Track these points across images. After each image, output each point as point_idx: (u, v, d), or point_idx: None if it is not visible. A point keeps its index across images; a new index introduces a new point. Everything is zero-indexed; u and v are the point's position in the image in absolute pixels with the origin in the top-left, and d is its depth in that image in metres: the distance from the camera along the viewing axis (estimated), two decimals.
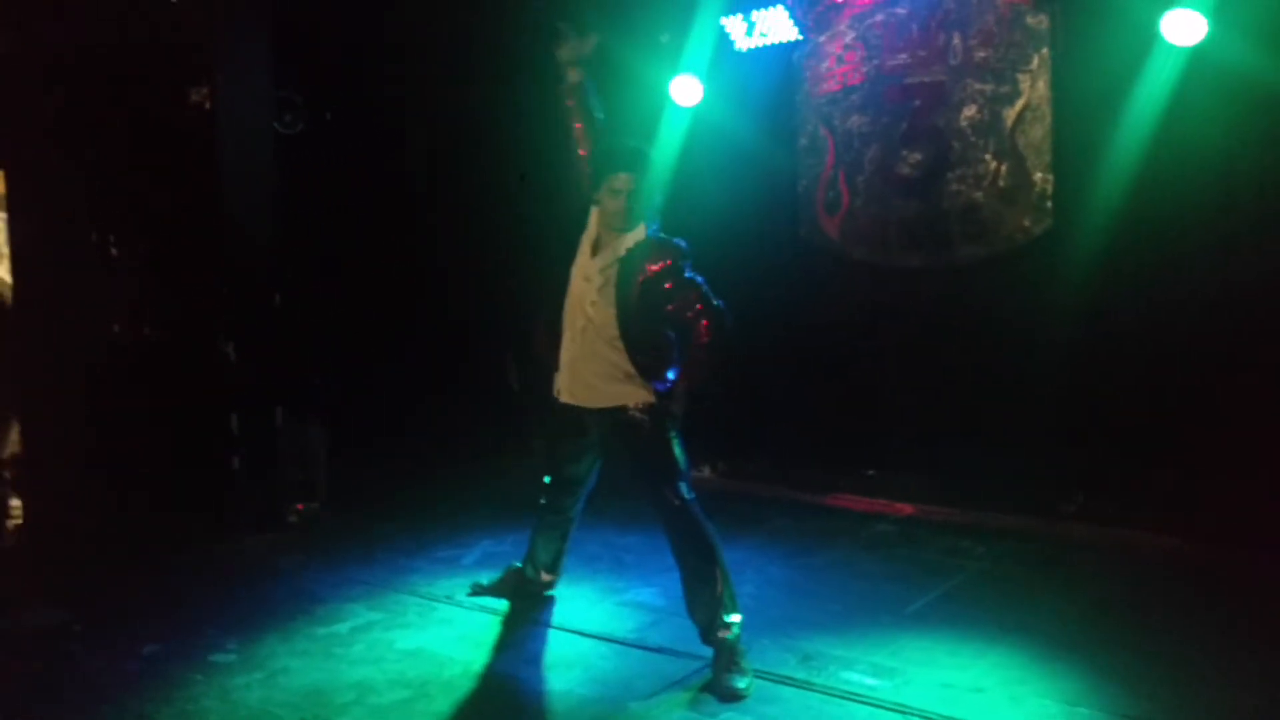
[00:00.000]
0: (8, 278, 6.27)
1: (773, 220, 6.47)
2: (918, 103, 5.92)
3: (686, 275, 3.93)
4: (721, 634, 3.82)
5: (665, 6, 6.46)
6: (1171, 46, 4.96)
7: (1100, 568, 4.90)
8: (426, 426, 6.82)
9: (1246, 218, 5.03)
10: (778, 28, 6.23)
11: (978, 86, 5.72)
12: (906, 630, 4.20)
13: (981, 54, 5.67)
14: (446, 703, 3.67)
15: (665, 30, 6.45)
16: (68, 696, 3.78)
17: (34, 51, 5.83)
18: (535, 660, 4.02)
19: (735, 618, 3.86)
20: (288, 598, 4.75)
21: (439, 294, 7.15)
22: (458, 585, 4.84)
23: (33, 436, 5.93)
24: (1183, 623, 4.17)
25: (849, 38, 6.14)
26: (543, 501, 4.41)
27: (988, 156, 5.71)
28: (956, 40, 5.73)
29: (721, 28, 6.30)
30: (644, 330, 3.93)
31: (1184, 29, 4.87)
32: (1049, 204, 5.56)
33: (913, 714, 3.49)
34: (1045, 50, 5.49)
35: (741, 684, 3.68)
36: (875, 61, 6.04)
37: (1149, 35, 4.99)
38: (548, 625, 4.36)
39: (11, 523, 5.83)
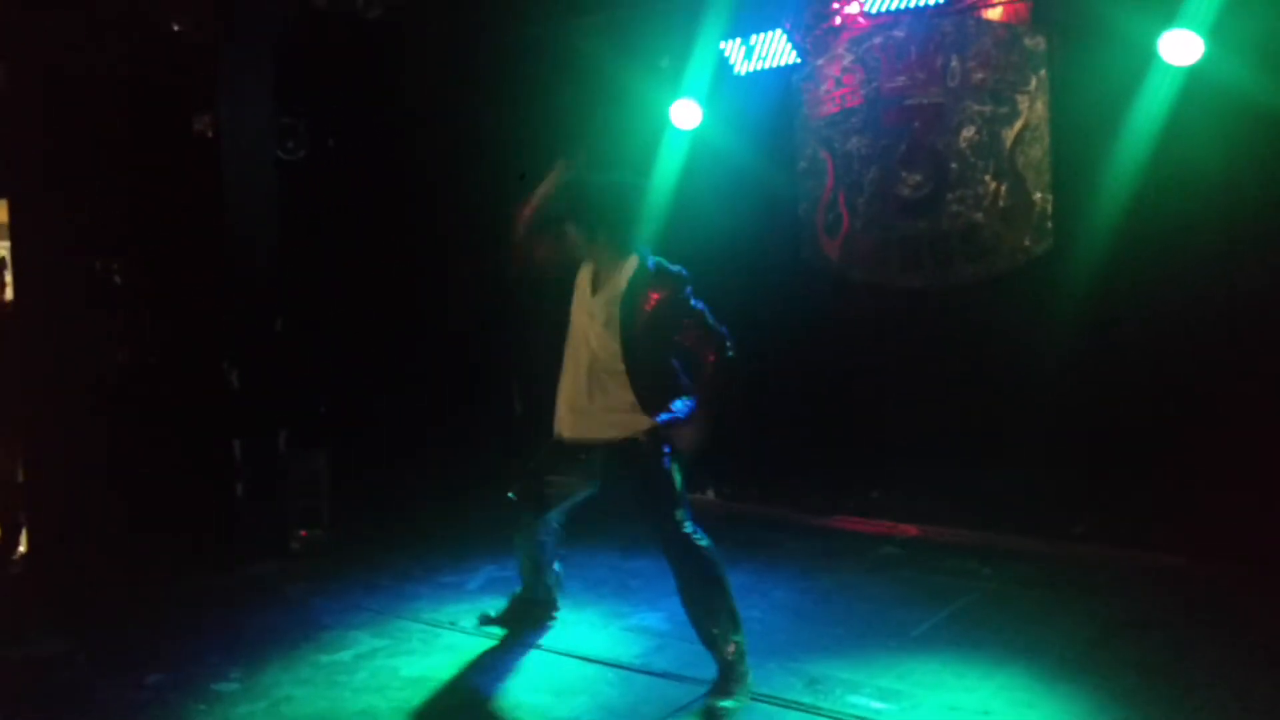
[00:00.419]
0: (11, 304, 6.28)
1: (773, 242, 6.49)
2: (917, 124, 5.94)
3: (690, 303, 3.94)
4: (725, 653, 3.80)
5: (665, 31, 6.50)
6: (1169, 66, 4.98)
7: (1108, 588, 4.87)
8: (430, 452, 6.82)
9: (1246, 236, 5.03)
10: (776, 51, 6.27)
11: (976, 108, 5.74)
12: (913, 653, 4.18)
13: (979, 75, 5.70)
14: None
15: (665, 55, 6.49)
16: None
17: (37, 81, 5.87)
18: (540, 687, 4.00)
19: (738, 639, 3.84)
20: (291, 625, 4.74)
21: (441, 319, 7.16)
22: (462, 611, 4.83)
23: (37, 463, 5.93)
24: (1191, 644, 4.15)
25: (847, 60, 6.17)
26: (523, 531, 4.36)
27: (987, 177, 5.72)
28: (955, 62, 5.76)
29: (721, 52, 6.34)
30: (650, 360, 3.94)
31: (1181, 49, 4.89)
32: (1049, 224, 5.56)
33: None
34: (1043, 71, 5.52)
35: (724, 704, 3.67)
36: (874, 84, 6.06)
37: (1146, 55, 5.01)
38: (553, 651, 4.34)
39: (17, 550, 5.83)
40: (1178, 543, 5.16)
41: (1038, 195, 5.57)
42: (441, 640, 4.51)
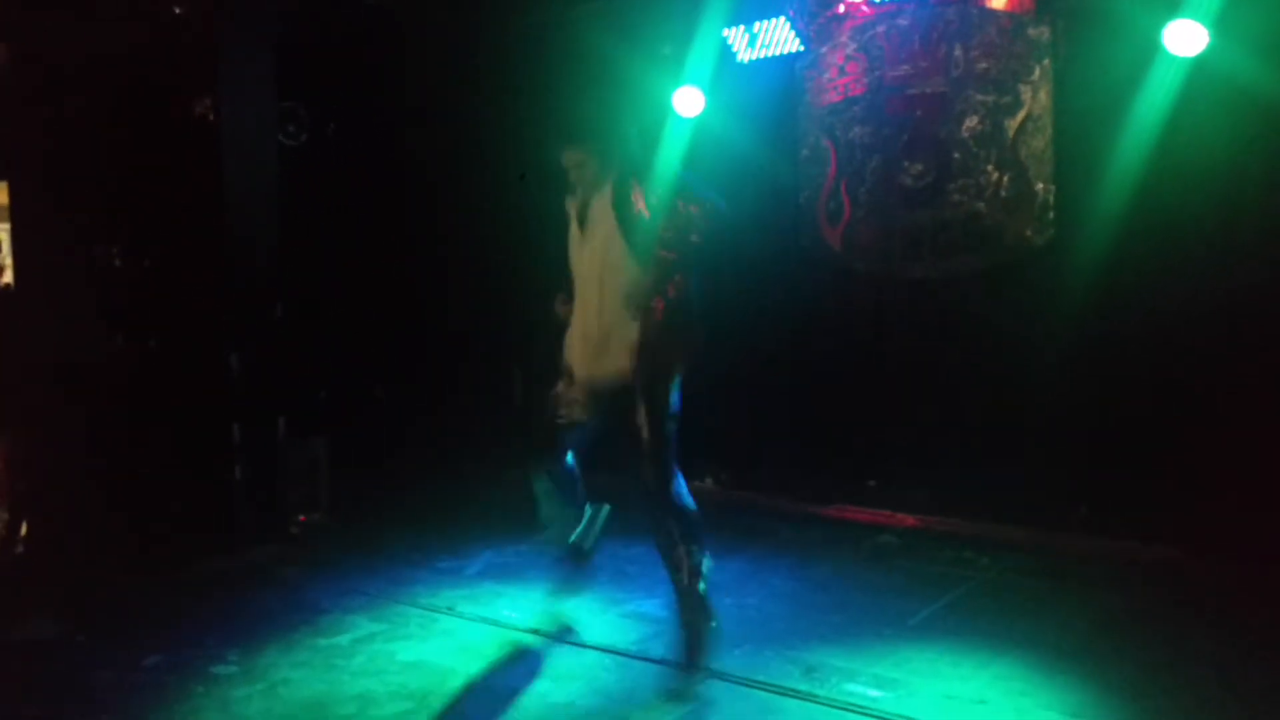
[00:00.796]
0: (10, 288, 6.28)
1: (775, 231, 6.47)
2: (919, 114, 5.92)
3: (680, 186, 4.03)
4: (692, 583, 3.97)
5: (668, 19, 6.48)
6: (1173, 57, 4.95)
7: (1104, 580, 4.88)
8: (429, 437, 6.82)
9: (1249, 228, 5.02)
10: (780, 39, 6.24)
11: (979, 97, 5.72)
12: (909, 642, 4.19)
13: (983, 65, 5.68)
14: (447, 714, 3.66)
15: (668, 42, 6.47)
16: (70, 708, 3.78)
17: (38, 63, 5.85)
18: (537, 672, 4.00)
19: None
20: (289, 609, 4.75)
21: (441, 305, 7.16)
22: (460, 596, 4.84)
23: (36, 447, 5.94)
24: (1187, 635, 4.15)
25: (851, 49, 6.15)
26: (545, 475, 4.43)
27: (989, 167, 5.71)
28: (958, 51, 5.74)
29: (724, 39, 6.31)
30: (654, 243, 3.99)
31: (1186, 39, 4.87)
32: (1051, 214, 5.55)
33: None
34: (1047, 61, 5.50)
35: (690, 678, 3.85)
36: (877, 72, 6.05)
37: (1151, 46, 4.98)
38: (550, 637, 4.35)
39: (18, 535, 5.83)
40: (1175, 536, 5.16)
41: (1040, 186, 5.56)
42: (439, 625, 4.52)
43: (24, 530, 5.83)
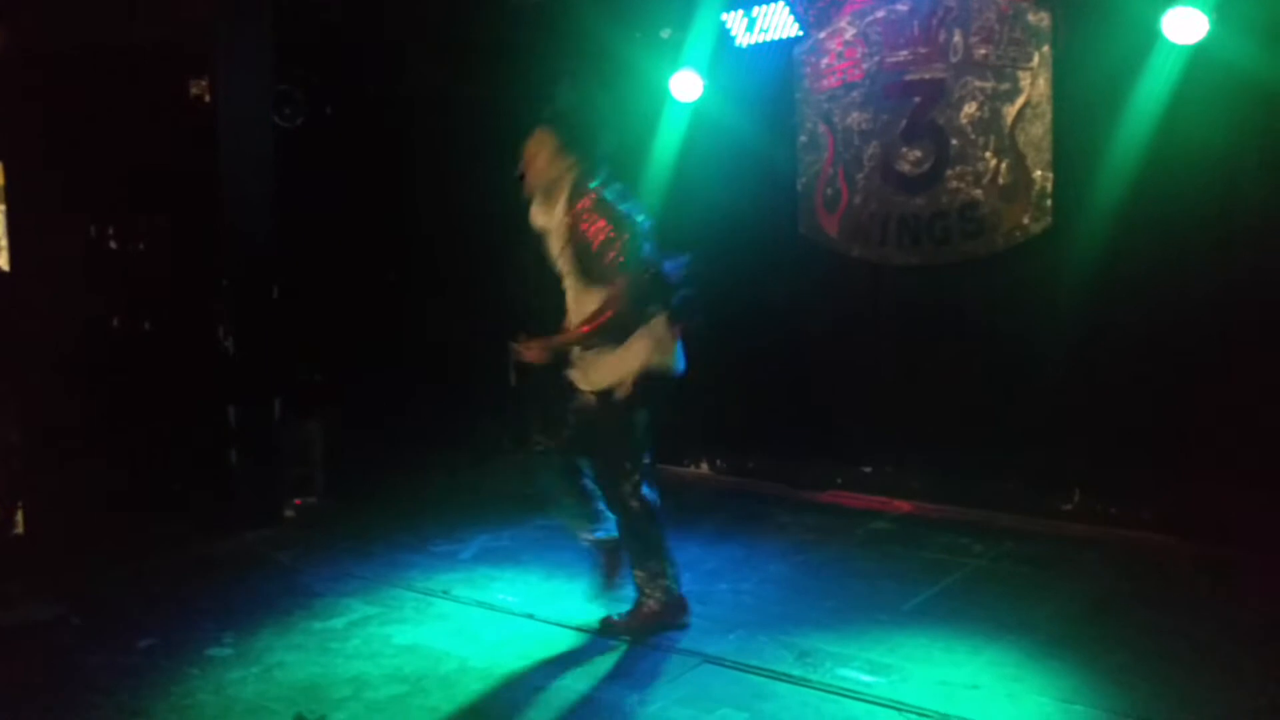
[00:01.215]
0: (6, 269, 6.26)
1: (772, 217, 6.46)
2: (918, 100, 5.90)
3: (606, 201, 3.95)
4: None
5: (666, 2, 6.45)
6: (1172, 45, 4.94)
7: (1098, 566, 4.90)
8: (424, 421, 6.82)
9: (1247, 217, 5.01)
10: (778, 23, 6.21)
11: (978, 84, 5.70)
12: (903, 627, 4.20)
13: (982, 51, 5.66)
14: (442, 698, 3.67)
15: (666, 25, 6.44)
16: (64, 690, 3.78)
17: (33, 44, 5.82)
18: (532, 656, 4.02)
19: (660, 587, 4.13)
20: (284, 592, 4.76)
21: (437, 288, 7.15)
22: (455, 580, 4.85)
23: (30, 429, 5.93)
24: (1180, 621, 4.17)
25: (849, 34, 6.12)
26: (559, 475, 4.28)
27: (988, 154, 5.69)
28: (957, 37, 5.72)
29: (722, 23, 6.28)
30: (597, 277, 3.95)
31: (1185, 27, 4.85)
32: (1049, 202, 5.54)
33: (909, 711, 3.49)
34: (1046, 48, 5.47)
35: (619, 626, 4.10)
36: (876, 58, 6.02)
37: (1150, 33, 4.97)
38: (545, 621, 4.36)
39: (14, 517, 5.82)
40: (1167, 522, 5.19)
41: (1038, 173, 5.55)
42: (434, 609, 4.53)
43: (19, 513, 5.83)
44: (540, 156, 4.00)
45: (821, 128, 6.29)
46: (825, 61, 6.23)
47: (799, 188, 6.41)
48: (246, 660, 3.99)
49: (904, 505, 5.92)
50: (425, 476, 6.50)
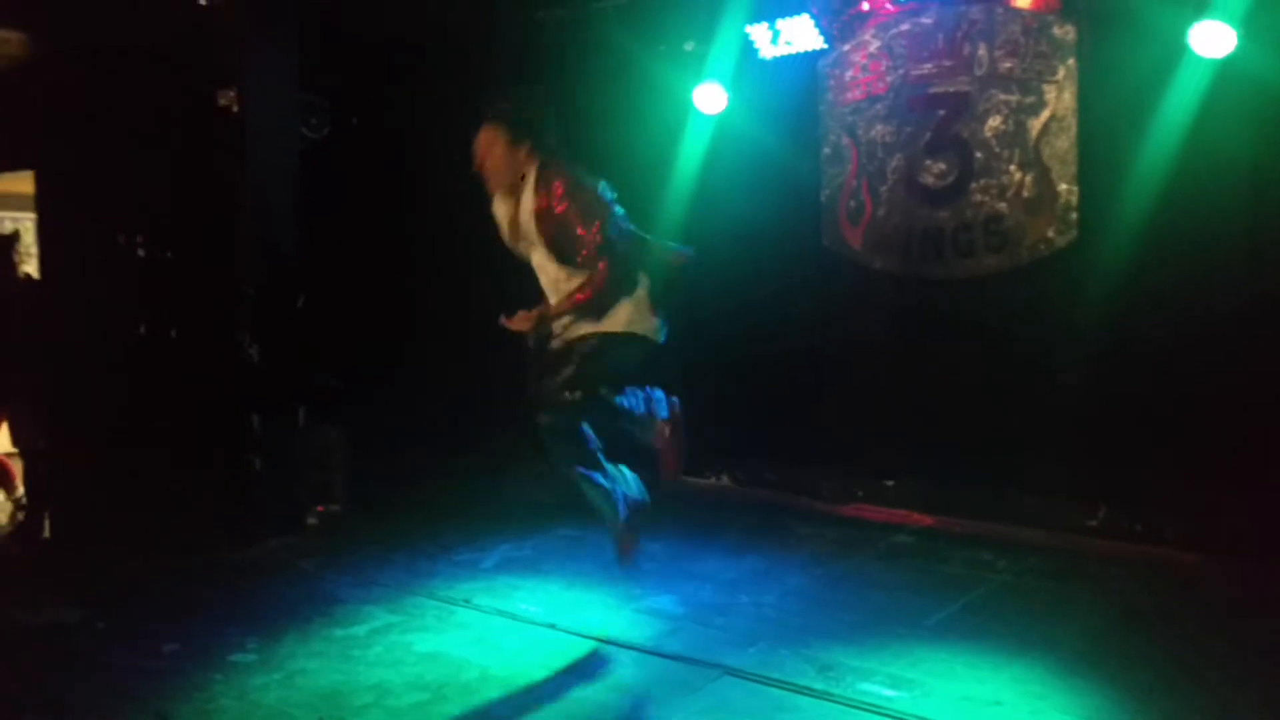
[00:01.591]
0: (36, 276, 6.33)
1: (795, 229, 6.46)
2: (942, 113, 5.89)
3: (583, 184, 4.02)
4: None
5: (690, 15, 6.47)
6: (1200, 58, 4.92)
7: (1123, 583, 4.86)
8: (446, 429, 6.84)
9: (1274, 231, 4.98)
10: (803, 36, 6.21)
11: (1003, 97, 5.69)
12: (925, 642, 4.18)
13: (1007, 64, 5.65)
14: (463, 706, 3.68)
15: (690, 38, 6.46)
16: (89, 693, 3.81)
17: (64, 55, 5.89)
18: (553, 665, 4.01)
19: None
20: (307, 599, 4.77)
21: (460, 297, 7.17)
22: (477, 589, 4.86)
23: (58, 434, 5.98)
24: (1206, 640, 4.13)
25: (874, 47, 6.13)
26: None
27: (1012, 167, 5.68)
28: (982, 50, 5.71)
29: (746, 36, 6.30)
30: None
31: (1213, 41, 4.83)
32: (1074, 215, 5.53)
33: None
34: (1072, 61, 5.46)
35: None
36: (900, 71, 6.02)
37: (1177, 47, 4.95)
38: (566, 631, 4.36)
39: (41, 521, 5.88)
40: (1193, 539, 5.14)
41: (1063, 187, 5.53)
42: (455, 617, 4.54)
43: (46, 518, 5.88)
44: (494, 153, 4.07)
45: (845, 140, 6.29)
46: (849, 74, 6.24)
47: (822, 200, 6.42)
48: (269, 666, 4.01)
49: (925, 519, 5.89)
50: (446, 484, 6.51)
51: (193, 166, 5.80)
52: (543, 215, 4.02)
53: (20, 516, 6.09)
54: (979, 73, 5.74)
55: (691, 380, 6.87)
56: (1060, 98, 5.50)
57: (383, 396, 6.74)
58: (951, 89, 5.84)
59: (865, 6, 6.15)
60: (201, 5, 5.48)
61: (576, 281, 4.04)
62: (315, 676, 3.93)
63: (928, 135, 5.94)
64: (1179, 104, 5.05)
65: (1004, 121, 5.68)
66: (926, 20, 5.90)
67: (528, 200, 4.07)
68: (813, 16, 6.15)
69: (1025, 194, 5.65)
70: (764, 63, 6.38)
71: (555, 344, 4.15)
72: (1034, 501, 5.65)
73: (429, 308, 7.11)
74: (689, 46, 6.47)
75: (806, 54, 6.29)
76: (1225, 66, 4.88)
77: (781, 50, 6.31)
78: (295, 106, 5.98)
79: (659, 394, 4.35)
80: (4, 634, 4.44)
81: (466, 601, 4.70)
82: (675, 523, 5.88)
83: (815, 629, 4.32)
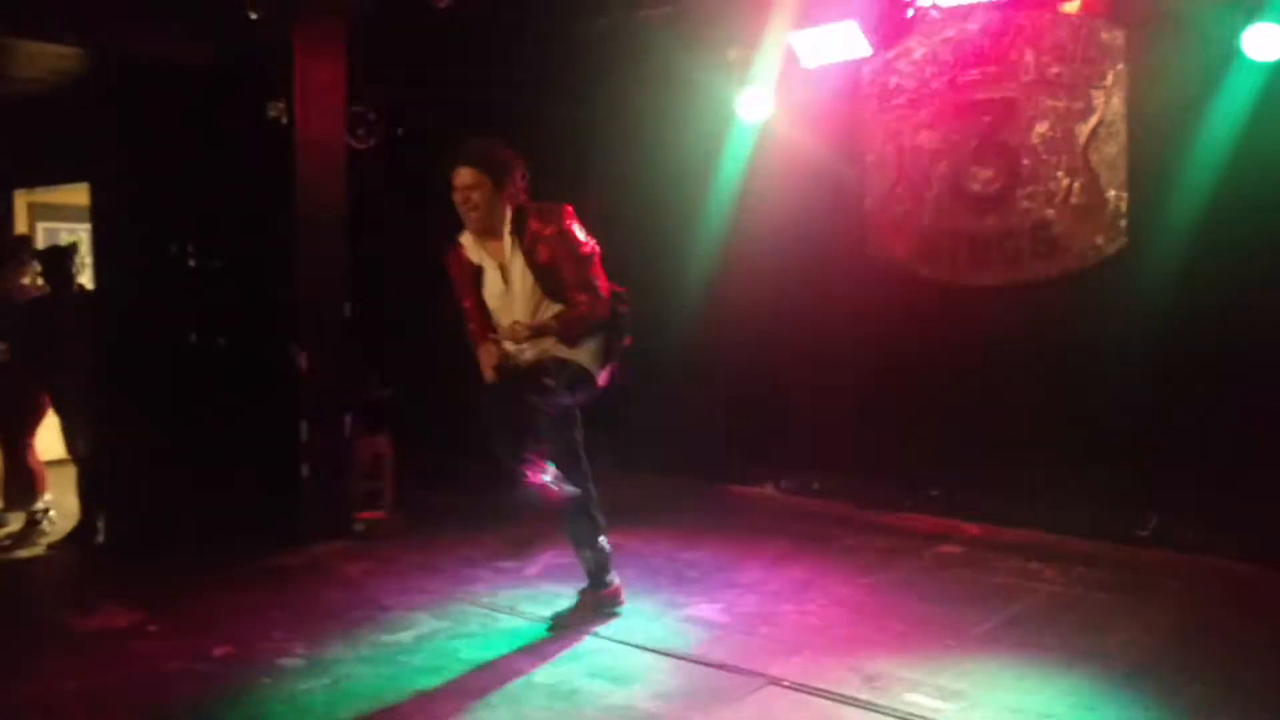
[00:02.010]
0: (90, 287, 6.46)
1: (839, 237, 6.43)
2: (988, 119, 5.85)
3: (576, 236, 4.20)
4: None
5: (734, 23, 6.47)
6: (1252, 62, 4.85)
7: (1175, 594, 4.78)
8: (489, 437, 6.86)
9: None
10: (847, 44, 6.19)
11: (1050, 103, 5.64)
12: (973, 653, 4.13)
13: (1055, 70, 5.60)
14: (509, 713, 3.69)
15: (733, 47, 6.46)
16: (139, 696, 3.87)
17: (117, 69, 6.01)
18: (597, 673, 4.02)
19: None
20: (354, 605, 4.82)
21: None
22: (521, 596, 4.88)
23: (109, 441, 6.09)
24: (1263, 653, 4.05)
25: (919, 53, 6.10)
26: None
27: (1060, 174, 5.62)
28: (1029, 56, 5.66)
29: (790, 44, 6.28)
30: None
31: (1266, 44, 4.76)
32: (1123, 222, 5.46)
33: None
34: (1121, 65, 5.40)
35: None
36: (945, 77, 5.99)
37: (1229, 50, 4.88)
38: (610, 639, 4.36)
39: (97, 527, 5.98)
40: (1246, 550, 5.04)
41: (1111, 193, 5.47)
42: (500, 624, 4.56)
43: (100, 522, 5.99)
44: (478, 195, 4.15)
45: (889, 147, 6.26)
46: (894, 81, 6.21)
47: (866, 208, 6.38)
48: (317, 672, 4.05)
49: (972, 529, 5.83)
50: (492, 492, 6.53)
51: (243, 178, 5.89)
52: (535, 257, 4.16)
53: (39, 526, 6.23)
54: (1026, 78, 5.69)
55: (736, 389, 6.89)
56: (1109, 103, 5.44)
57: (429, 405, 6.80)
58: (998, 95, 5.80)
59: (910, 13, 6.12)
60: (253, 20, 5.56)
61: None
62: (362, 682, 3.96)
63: (974, 142, 5.90)
64: (1230, 108, 4.98)
65: (1051, 127, 5.63)
66: (972, 26, 5.87)
67: (517, 249, 4.19)
68: (857, 24, 6.13)
69: (1073, 200, 5.59)
70: (807, 70, 6.36)
71: (528, 354, 4.24)
72: (1083, 511, 5.57)
73: None
74: (732, 55, 6.47)
75: (850, 61, 6.26)
76: (1278, 70, 4.80)
77: (825, 57, 6.29)
78: (343, 118, 6.06)
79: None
80: (59, 636, 4.52)
81: (511, 608, 4.73)
82: (719, 532, 5.88)
83: (860, 639, 4.30)
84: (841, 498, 6.42)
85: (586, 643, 4.34)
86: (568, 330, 4.17)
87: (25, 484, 6.32)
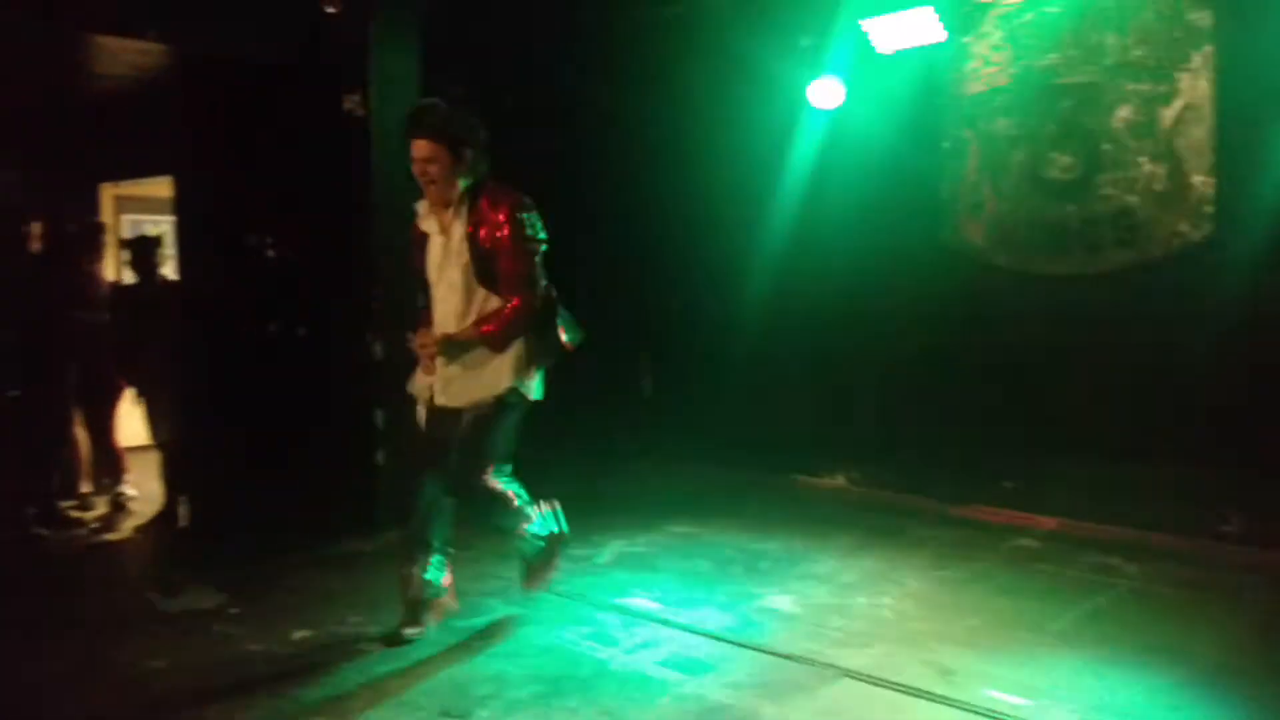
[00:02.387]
0: (174, 278, 6.62)
1: (914, 225, 6.36)
2: (1068, 104, 5.73)
3: (527, 230, 4.07)
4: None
5: (806, 9, 6.42)
6: None
7: (1259, 591, 4.66)
8: (561, 427, 6.90)
9: None
10: (922, 29, 6.11)
11: (1133, 86, 5.50)
12: (1051, 648, 4.07)
13: (1138, 52, 5.46)
14: (580, 699, 3.71)
15: (805, 33, 6.41)
16: (222, 675, 3.97)
17: (196, 63, 6.14)
18: (668, 661, 4.03)
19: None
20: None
21: (574, 295, 7.24)
22: (591, 584, 4.91)
23: (191, 429, 6.24)
24: None
25: (996, 38, 5.98)
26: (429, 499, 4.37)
27: (1143, 159, 5.49)
28: (1111, 39, 5.53)
29: (863, 30, 6.22)
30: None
31: None
32: (1209, 208, 5.31)
33: None
34: (1208, 48, 5.25)
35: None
36: (1023, 62, 5.87)
37: None
38: (681, 628, 4.37)
39: (179, 513, 6.14)
40: None
41: (1197, 179, 5.32)
42: (571, 611, 4.59)
43: (182, 507, 6.14)
44: (434, 168, 4.00)
45: (966, 134, 6.16)
46: (970, 66, 6.11)
47: (942, 195, 6.29)
48: (393, 656, 4.11)
49: (1049, 522, 5.73)
50: (558, 481, 6.57)
51: (320, 170, 5.98)
52: (476, 237, 4.02)
53: (119, 508, 6.44)
54: (1107, 62, 5.56)
55: (809, 379, 6.85)
56: (1195, 86, 5.29)
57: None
58: (1078, 79, 5.67)
59: None
60: (329, 13, 5.64)
61: (487, 308, 4.08)
62: (437, 665, 4.02)
63: (1053, 127, 5.78)
64: None
65: (1134, 112, 5.49)
66: (1052, 9, 5.74)
67: (460, 220, 4.06)
68: (933, 8, 6.04)
69: (1157, 187, 5.45)
70: (881, 57, 6.29)
71: (442, 402, 4.18)
72: (1164, 505, 5.45)
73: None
74: (805, 41, 6.42)
75: (925, 47, 6.18)
76: None
77: (899, 43, 6.22)
78: None
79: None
80: (144, 617, 4.66)
81: (582, 596, 4.76)
82: (791, 523, 5.85)
83: (935, 632, 4.25)
84: (913, 490, 6.34)
85: (658, 632, 4.35)
86: (492, 339, 4.04)
87: (110, 467, 6.54)
